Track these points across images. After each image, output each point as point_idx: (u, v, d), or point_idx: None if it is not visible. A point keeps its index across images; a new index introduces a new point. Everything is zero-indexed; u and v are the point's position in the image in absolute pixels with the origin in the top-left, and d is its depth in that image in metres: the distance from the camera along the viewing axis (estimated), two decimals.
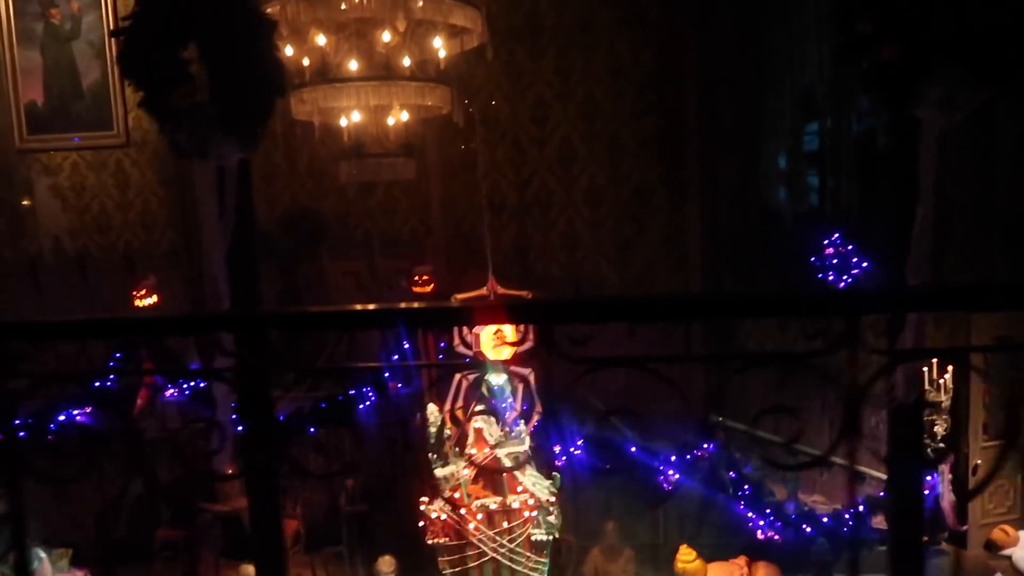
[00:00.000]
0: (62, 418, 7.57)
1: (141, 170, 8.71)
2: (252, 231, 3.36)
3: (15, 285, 8.93)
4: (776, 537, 7.22)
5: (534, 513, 5.76)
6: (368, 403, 7.32)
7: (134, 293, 7.45)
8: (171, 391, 7.34)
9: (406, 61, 5.84)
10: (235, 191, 3.28)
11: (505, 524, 5.76)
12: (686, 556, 5.98)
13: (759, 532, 7.23)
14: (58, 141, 8.78)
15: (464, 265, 8.31)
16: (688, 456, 7.45)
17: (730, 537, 7.34)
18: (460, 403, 5.79)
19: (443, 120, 7.23)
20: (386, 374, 7.38)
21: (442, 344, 7.40)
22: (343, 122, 5.88)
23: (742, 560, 5.84)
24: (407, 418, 7.64)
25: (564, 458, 6.12)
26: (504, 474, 5.75)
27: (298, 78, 5.77)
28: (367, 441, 7.56)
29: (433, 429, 5.71)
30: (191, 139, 3.25)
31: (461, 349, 5.78)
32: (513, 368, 5.84)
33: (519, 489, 5.74)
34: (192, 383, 7.34)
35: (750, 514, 7.40)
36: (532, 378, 5.95)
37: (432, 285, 7.20)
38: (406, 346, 7.44)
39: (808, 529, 7.22)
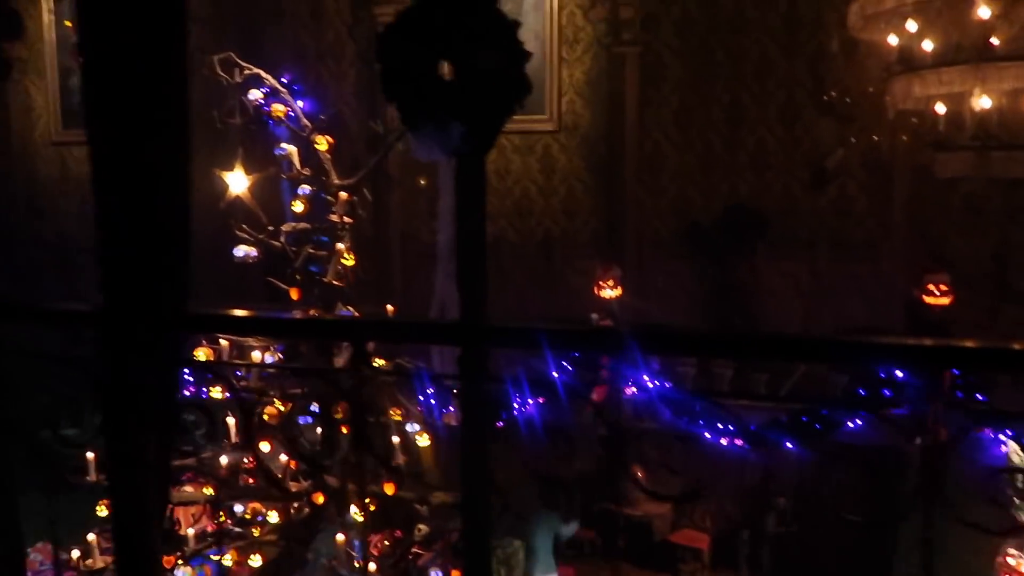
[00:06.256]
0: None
1: (568, 155, 8.45)
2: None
3: (424, 269, 8.93)
4: None
5: None
6: (857, 424, 6.64)
7: (600, 283, 7.14)
8: (632, 390, 6.97)
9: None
10: None
11: None
12: None
13: None
14: None
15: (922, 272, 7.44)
16: None
17: None
18: None
19: None
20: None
21: None
22: (940, 108, 5.17)
23: None
24: (897, 443, 6.90)
25: None
26: None
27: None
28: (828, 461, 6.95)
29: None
30: None
31: None
32: None
33: None
34: (656, 383, 6.93)
35: None
36: None
37: (951, 296, 6.31)
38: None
39: None
